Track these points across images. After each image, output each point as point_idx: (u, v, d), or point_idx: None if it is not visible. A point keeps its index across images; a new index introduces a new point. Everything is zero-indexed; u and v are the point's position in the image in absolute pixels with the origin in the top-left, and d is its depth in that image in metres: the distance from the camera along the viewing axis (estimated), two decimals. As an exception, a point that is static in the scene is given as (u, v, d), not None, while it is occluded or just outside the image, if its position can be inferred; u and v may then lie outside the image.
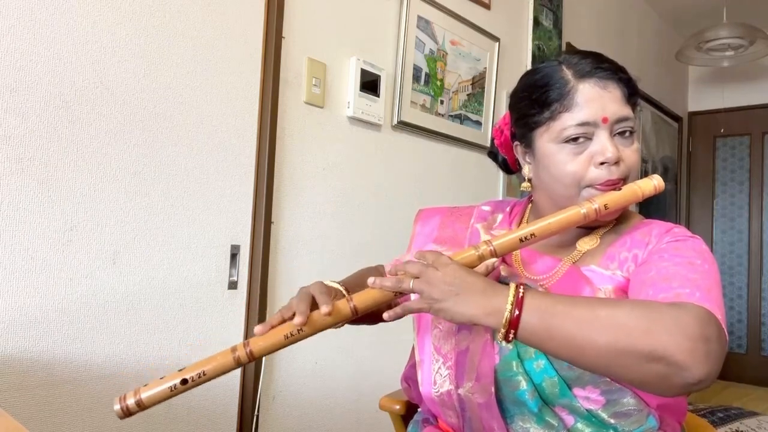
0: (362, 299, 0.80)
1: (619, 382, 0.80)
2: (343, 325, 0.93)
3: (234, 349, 0.77)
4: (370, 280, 0.79)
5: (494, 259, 0.81)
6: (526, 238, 0.80)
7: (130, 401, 0.74)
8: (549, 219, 0.81)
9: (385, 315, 0.80)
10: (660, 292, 0.74)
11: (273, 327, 0.79)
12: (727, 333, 0.71)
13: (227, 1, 1.44)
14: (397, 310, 0.79)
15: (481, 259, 0.80)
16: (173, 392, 0.75)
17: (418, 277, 0.77)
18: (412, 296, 0.83)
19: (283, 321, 0.79)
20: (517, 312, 0.71)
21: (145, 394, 0.74)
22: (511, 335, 0.71)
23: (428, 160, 2.05)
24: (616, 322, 0.68)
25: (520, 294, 0.72)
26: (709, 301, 0.71)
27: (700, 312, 0.68)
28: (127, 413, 0.74)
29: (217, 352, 0.77)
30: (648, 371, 0.66)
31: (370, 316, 1.03)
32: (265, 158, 1.50)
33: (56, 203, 1.16)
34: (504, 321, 0.71)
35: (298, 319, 0.76)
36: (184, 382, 0.74)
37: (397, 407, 1.11)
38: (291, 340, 0.78)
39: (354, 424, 1.77)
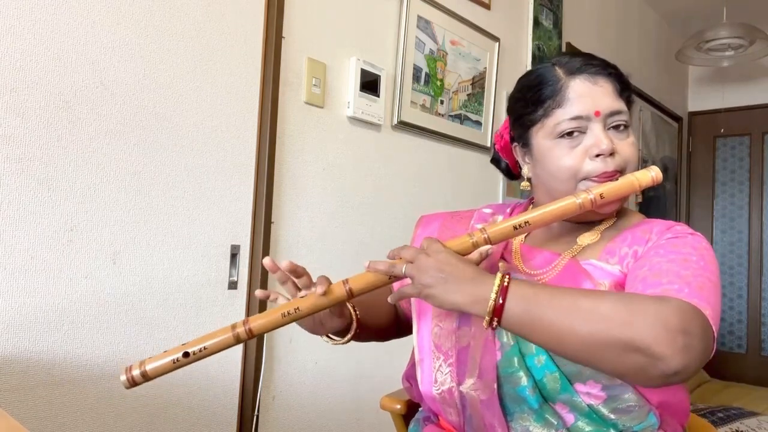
0: (357, 282, 0.82)
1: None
2: (348, 341, 0.95)
3: (234, 327, 0.80)
4: (366, 262, 0.82)
5: (488, 246, 0.82)
6: (520, 225, 0.81)
7: (136, 372, 0.78)
8: (544, 208, 0.83)
9: (389, 298, 0.84)
10: (648, 287, 0.75)
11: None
12: (715, 330, 0.71)
13: (227, 1, 1.44)
14: (394, 295, 0.83)
15: (475, 246, 0.81)
16: (176, 365, 0.78)
17: (411, 262, 0.79)
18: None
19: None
20: (500, 300, 0.72)
21: (150, 366, 0.78)
22: (495, 323, 0.73)
23: (428, 160, 2.05)
24: (598, 313, 0.69)
25: (505, 283, 0.73)
26: (699, 297, 0.71)
27: (684, 306, 0.69)
28: (132, 383, 0.78)
29: (218, 329, 0.81)
30: (626, 361, 0.68)
31: (378, 332, 1.05)
32: (265, 158, 1.50)
33: (56, 203, 1.16)
34: (488, 309, 0.72)
35: (302, 293, 0.83)
36: (186, 355, 0.78)
37: (398, 407, 1.11)
38: (288, 318, 0.81)
39: (354, 424, 1.77)
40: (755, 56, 3.25)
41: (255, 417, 1.49)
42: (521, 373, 0.82)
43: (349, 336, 0.94)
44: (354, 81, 1.74)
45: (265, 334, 1.51)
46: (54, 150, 1.16)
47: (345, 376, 1.75)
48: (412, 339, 0.97)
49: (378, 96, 1.82)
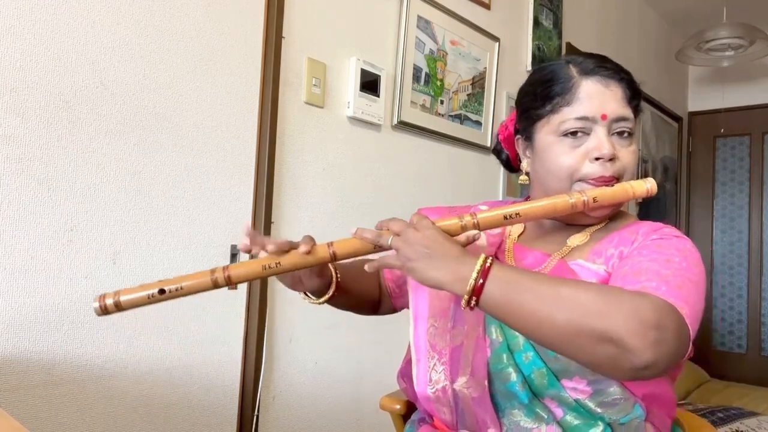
0: (342, 246, 0.82)
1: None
2: (324, 303, 0.95)
3: (213, 271, 0.81)
4: (353, 229, 0.82)
5: (475, 231, 0.83)
6: (510, 216, 0.82)
7: (109, 301, 0.78)
8: (536, 202, 0.83)
9: (367, 266, 0.83)
10: (628, 285, 0.75)
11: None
12: (692, 330, 0.72)
13: (227, 1, 1.44)
14: (375, 263, 0.82)
15: (464, 229, 0.82)
16: (150, 300, 0.79)
17: (398, 234, 0.79)
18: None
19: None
20: (481, 280, 0.72)
21: (125, 297, 0.79)
22: (473, 302, 0.73)
23: (428, 160, 2.05)
24: (576, 302, 0.69)
25: (488, 264, 0.73)
26: (676, 296, 0.72)
27: (660, 303, 0.70)
28: (104, 311, 0.78)
29: (197, 271, 0.82)
30: (599, 352, 0.68)
31: (357, 302, 1.05)
32: (265, 158, 1.50)
33: (56, 203, 1.16)
34: (468, 288, 0.72)
35: (270, 247, 0.82)
36: (162, 291, 0.79)
37: (398, 407, 1.11)
38: (268, 272, 0.82)
39: (354, 424, 1.77)
40: (755, 56, 3.25)
41: (255, 417, 1.49)
42: (510, 369, 0.83)
43: (325, 297, 0.95)
44: (354, 81, 1.74)
45: (265, 334, 1.51)
46: (54, 150, 1.16)
47: (345, 376, 1.75)
48: (409, 339, 0.97)
49: (378, 96, 1.82)
